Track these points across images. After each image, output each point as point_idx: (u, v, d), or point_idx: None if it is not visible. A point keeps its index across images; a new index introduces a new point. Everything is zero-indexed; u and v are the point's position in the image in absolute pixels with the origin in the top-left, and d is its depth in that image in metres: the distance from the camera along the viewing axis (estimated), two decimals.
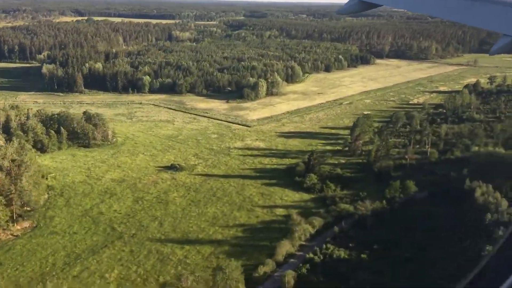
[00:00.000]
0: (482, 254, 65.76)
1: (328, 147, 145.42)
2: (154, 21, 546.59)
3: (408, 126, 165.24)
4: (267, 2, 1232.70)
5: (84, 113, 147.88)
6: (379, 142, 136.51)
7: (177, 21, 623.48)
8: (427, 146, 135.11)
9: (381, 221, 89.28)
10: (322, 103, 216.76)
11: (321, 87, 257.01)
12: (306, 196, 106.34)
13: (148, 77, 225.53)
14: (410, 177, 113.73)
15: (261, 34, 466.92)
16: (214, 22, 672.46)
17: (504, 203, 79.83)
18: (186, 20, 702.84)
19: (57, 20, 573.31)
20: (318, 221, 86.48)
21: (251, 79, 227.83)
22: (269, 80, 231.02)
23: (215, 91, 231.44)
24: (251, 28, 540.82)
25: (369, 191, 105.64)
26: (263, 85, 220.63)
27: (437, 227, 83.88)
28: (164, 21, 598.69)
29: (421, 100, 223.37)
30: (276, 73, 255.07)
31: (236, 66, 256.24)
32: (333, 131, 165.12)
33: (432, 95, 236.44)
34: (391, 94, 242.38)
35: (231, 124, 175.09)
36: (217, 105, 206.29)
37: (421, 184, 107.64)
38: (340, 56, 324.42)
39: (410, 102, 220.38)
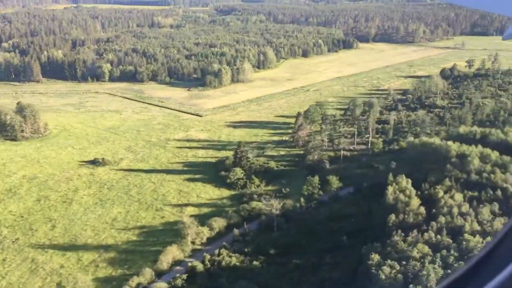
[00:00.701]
0: (371, 263, 57.94)
1: (275, 138, 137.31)
2: (141, 7, 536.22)
3: (366, 114, 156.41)
4: None
5: (18, 104, 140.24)
6: (325, 132, 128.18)
7: (169, 6, 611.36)
8: (369, 136, 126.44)
9: (290, 222, 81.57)
10: (288, 90, 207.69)
11: (293, 73, 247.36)
12: (226, 192, 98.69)
13: (108, 65, 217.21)
14: (343, 170, 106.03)
15: (247, 19, 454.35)
16: (206, 8, 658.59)
17: (414, 203, 71.53)
18: (178, 6, 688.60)
19: (49, 8, 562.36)
20: (218, 223, 78.85)
21: (215, 66, 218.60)
22: (235, 67, 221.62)
23: (179, 78, 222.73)
24: (239, 13, 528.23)
25: (296, 186, 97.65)
26: (227, 72, 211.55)
27: (345, 229, 76.00)
28: (153, 7, 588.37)
29: (393, 85, 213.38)
30: (246, 59, 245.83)
31: (205, 53, 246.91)
32: (287, 120, 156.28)
33: (406, 80, 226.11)
34: (364, 79, 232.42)
35: (183, 113, 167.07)
36: (177, 94, 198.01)
37: (351, 178, 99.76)
38: (320, 41, 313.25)
39: (381, 88, 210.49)
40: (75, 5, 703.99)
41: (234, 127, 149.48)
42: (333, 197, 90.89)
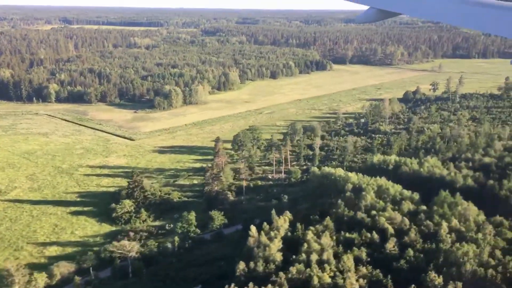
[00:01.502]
0: None
1: (198, 164, 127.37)
2: (121, 28, 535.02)
3: (310, 139, 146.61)
4: (283, 9, 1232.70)
5: None
6: (241, 160, 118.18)
7: (156, 28, 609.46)
8: (295, 163, 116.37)
9: (152, 266, 70.96)
10: (241, 113, 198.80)
11: (254, 95, 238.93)
12: (106, 228, 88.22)
13: (55, 85, 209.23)
14: (247, 202, 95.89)
15: (227, 40, 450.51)
16: (194, 29, 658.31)
17: (274, 247, 60.92)
18: (167, 27, 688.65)
19: (39, 28, 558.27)
20: (63, 268, 68.27)
21: (167, 87, 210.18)
22: (188, 89, 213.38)
23: (130, 100, 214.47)
24: (223, 34, 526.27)
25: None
26: (177, 94, 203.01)
27: (205, 276, 65.35)
28: (139, 28, 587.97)
29: (350, 109, 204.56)
30: (205, 81, 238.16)
31: (162, 73, 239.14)
32: (224, 145, 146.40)
33: (367, 103, 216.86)
34: (324, 102, 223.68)
35: (115, 137, 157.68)
36: (121, 116, 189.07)
37: (248, 212, 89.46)
38: (291, 62, 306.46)
39: (337, 111, 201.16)
40: (62, 26, 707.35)
41: (161, 152, 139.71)
42: (216, 235, 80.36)
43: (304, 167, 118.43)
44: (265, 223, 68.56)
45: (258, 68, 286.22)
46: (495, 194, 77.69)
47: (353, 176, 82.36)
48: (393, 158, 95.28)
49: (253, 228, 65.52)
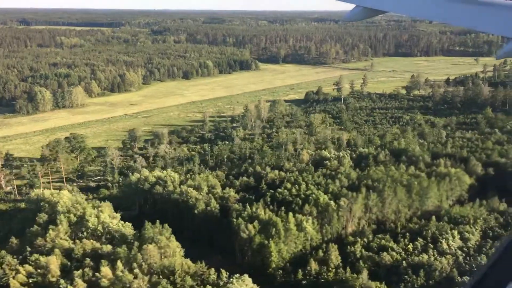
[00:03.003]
0: None
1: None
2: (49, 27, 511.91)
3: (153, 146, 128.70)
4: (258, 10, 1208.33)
5: None
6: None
7: (99, 28, 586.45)
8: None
9: None
10: (113, 117, 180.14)
11: (147, 97, 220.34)
12: None
13: None
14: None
15: (164, 39, 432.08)
16: (145, 29, 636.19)
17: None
18: (119, 28, 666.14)
19: None
20: None
21: (36, 88, 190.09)
22: (60, 90, 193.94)
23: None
24: (169, 34, 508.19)
25: None
26: (43, 97, 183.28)
27: None
28: (77, 28, 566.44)
29: (237, 111, 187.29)
30: (96, 82, 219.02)
31: (45, 74, 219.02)
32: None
33: (267, 104, 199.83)
34: (219, 104, 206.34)
35: None
36: None
37: None
38: (208, 62, 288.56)
39: (223, 114, 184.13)
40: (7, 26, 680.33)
41: None
42: None
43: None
44: None
45: (169, 68, 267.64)
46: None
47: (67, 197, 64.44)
48: (155, 173, 77.81)
49: None
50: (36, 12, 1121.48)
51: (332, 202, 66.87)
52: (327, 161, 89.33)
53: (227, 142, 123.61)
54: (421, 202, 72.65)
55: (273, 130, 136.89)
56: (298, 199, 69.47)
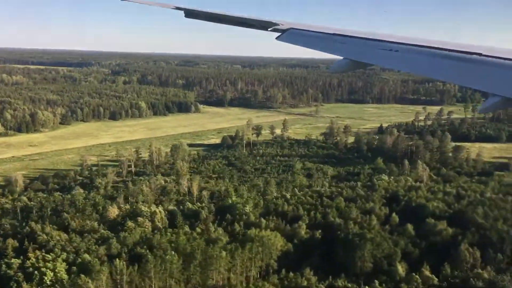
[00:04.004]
0: None
1: None
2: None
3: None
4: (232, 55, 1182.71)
5: None
6: None
7: (53, 67, 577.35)
8: None
9: None
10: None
11: (54, 138, 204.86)
12: None
13: None
14: None
15: (114, 79, 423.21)
16: (105, 70, 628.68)
17: None
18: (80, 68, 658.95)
19: None
20: None
21: None
22: None
23: None
24: (125, 74, 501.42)
25: None
26: None
27: None
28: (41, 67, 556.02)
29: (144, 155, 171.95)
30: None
31: None
32: None
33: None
34: (127, 147, 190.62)
35: None
36: None
37: None
38: (141, 103, 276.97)
39: (112, 159, 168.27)
40: None
41: None
42: None
43: None
44: None
45: (95, 107, 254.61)
46: None
47: None
48: None
49: None
50: (11, 51, 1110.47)
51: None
52: (139, 218, 74.84)
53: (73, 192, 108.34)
54: (203, 275, 57.95)
55: (140, 177, 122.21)
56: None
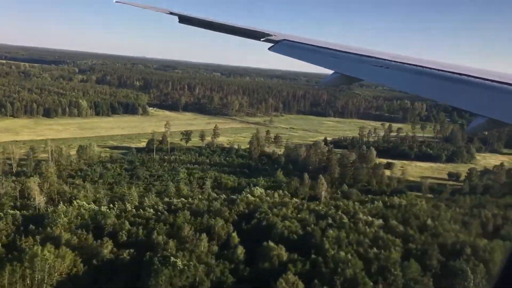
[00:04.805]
0: None
1: None
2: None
3: None
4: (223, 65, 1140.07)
5: None
6: None
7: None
8: None
9: None
10: None
11: None
12: None
13: None
14: None
15: (71, 77, 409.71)
16: (74, 68, 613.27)
17: None
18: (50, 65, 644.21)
19: None
20: None
21: None
22: None
23: None
24: (89, 72, 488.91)
25: None
26: None
27: None
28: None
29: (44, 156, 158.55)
30: None
31: None
32: None
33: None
34: (42, 146, 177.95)
35: None
36: None
37: None
38: (81, 101, 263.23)
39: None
40: None
41: None
42: None
43: None
44: None
45: (27, 103, 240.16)
46: None
47: None
48: None
49: None
50: None
51: None
52: None
53: None
54: None
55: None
56: None
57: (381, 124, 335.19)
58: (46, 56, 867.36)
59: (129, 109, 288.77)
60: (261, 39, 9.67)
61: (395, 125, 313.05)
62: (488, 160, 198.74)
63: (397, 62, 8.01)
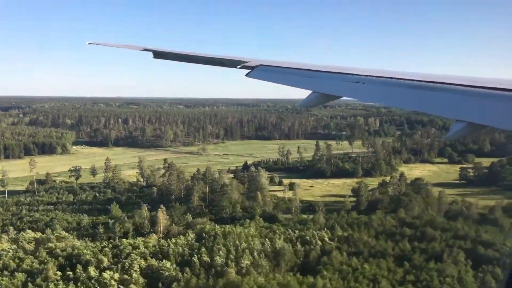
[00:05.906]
0: None
1: None
2: None
3: None
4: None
5: None
6: None
7: None
8: None
9: None
10: None
11: None
12: None
13: None
14: None
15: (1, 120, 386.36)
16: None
17: None
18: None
19: None
20: None
21: None
22: None
23: None
24: (30, 115, 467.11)
25: None
26: None
27: None
28: None
29: None
30: None
31: None
32: None
33: None
34: None
35: None
36: None
37: None
38: None
39: None
40: None
41: None
42: None
43: None
44: None
45: None
46: None
47: None
48: None
49: None
50: None
51: None
52: None
53: None
54: None
55: None
56: None
57: (324, 143, 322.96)
58: (2, 103, 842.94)
59: (46, 150, 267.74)
60: (238, 67, 9.82)
61: (344, 143, 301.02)
62: (413, 171, 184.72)
63: (373, 76, 7.98)
